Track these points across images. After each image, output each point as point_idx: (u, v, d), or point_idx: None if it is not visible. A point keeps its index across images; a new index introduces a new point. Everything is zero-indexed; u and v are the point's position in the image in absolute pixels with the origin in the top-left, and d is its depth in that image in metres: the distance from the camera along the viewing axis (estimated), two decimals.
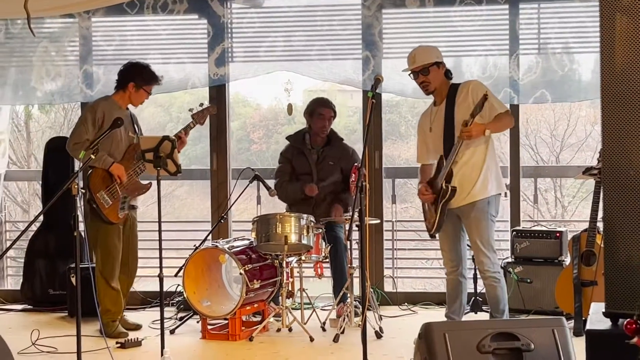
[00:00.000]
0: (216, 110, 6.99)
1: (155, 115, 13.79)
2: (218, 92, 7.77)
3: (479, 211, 5.91)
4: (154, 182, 5.86)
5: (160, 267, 5.62)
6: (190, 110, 6.69)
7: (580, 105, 12.66)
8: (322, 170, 7.20)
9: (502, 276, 6.09)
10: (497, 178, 6.00)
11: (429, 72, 5.93)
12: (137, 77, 6.63)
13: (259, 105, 13.83)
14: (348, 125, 11.76)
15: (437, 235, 6.07)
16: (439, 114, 5.98)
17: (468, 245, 6.12)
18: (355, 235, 6.51)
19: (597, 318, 4.23)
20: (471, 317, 6.75)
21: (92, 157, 5.54)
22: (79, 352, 5.25)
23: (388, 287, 7.77)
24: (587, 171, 6.26)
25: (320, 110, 7.20)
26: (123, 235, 6.72)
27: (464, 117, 5.79)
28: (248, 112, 13.63)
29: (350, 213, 6.80)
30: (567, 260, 6.90)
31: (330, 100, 7.33)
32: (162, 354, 5.38)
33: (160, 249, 5.63)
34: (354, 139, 7.42)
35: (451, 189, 5.81)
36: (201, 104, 6.74)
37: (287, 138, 7.44)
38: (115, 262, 6.66)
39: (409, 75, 6.05)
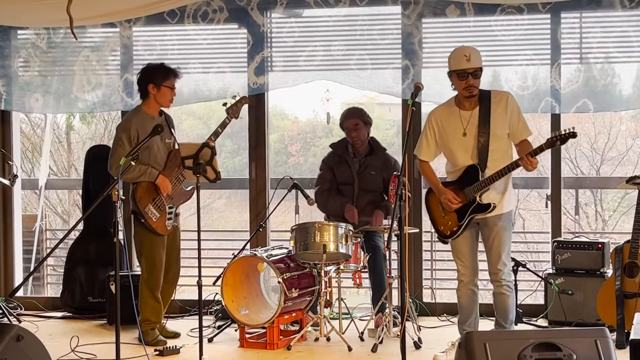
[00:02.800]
0: (249, 100, 6.93)
1: (194, 128, 13.86)
2: (257, 100, 7.78)
3: (505, 221, 5.87)
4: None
5: (199, 274, 5.62)
6: (224, 104, 6.65)
7: (621, 119, 12.55)
8: (363, 179, 7.17)
9: (513, 286, 6.01)
10: (513, 194, 6.04)
11: (479, 77, 5.80)
12: (152, 77, 6.59)
13: (296, 118, 13.85)
14: (386, 138, 11.72)
15: (448, 241, 5.99)
16: (473, 120, 5.84)
17: None
18: (394, 245, 6.47)
19: None
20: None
21: (132, 163, 5.57)
22: (117, 359, 5.26)
23: (426, 298, 7.71)
24: (631, 180, 6.17)
25: (345, 124, 7.20)
26: (167, 243, 6.73)
27: (499, 130, 5.76)
28: (286, 124, 13.65)
29: (389, 222, 6.79)
30: (609, 271, 6.80)
31: (357, 108, 7.28)
32: None
33: (199, 257, 5.64)
34: (392, 152, 7.37)
35: (492, 206, 5.76)
36: (234, 97, 6.71)
37: (331, 146, 7.44)
38: (160, 273, 6.67)
39: (452, 74, 5.82)
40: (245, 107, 7.03)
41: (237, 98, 6.68)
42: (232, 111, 6.61)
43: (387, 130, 12.40)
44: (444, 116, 5.98)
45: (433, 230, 7.73)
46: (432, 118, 6.03)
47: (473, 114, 5.85)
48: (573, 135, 5.51)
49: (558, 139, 5.54)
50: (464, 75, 5.76)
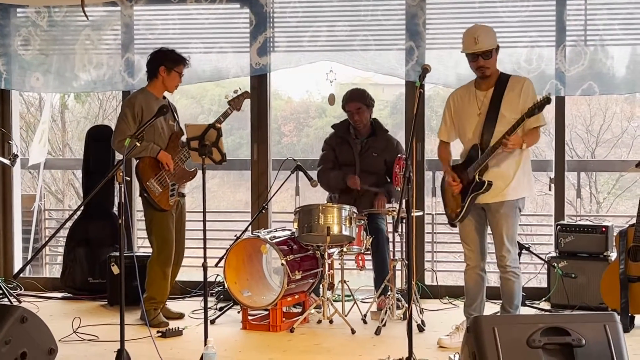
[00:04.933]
0: (250, 95, 6.89)
1: (187, 107, 13.81)
2: (259, 82, 7.72)
3: (509, 208, 5.79)
4: (200, 169, 5.84)
5: (205, 256, 5.59)
6: (226, 97, 6.64)
7: (617, 101, 12.55)
8: (365, 161, 7.13)
9: (520, 272, 5.97)
10: (529, 181, 5.93)
11: (491, 56, 5.72)
12: (165, 61, 6.64)
13: (290, 98, 13.83)
14: (379, 118, 11.72)
15: (457, 224, 5.93)
16: (485, 101, 5.78)
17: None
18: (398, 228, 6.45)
19: None
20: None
21: (137, 144, 5.57)
22: (122, 340, 5.24)
23: (428, 280, 7.70)
24: None
25: (347, 107, 7.14)
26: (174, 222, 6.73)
27: (509, 113, 5.68)
28: (279, 104, 13.63)
29: (394, 204, 6.77)
30: (613, 255, 6.79)
31: (359, 90, 7.20)
32: (205, 344, 5.34)
33: (205, 238, 5.61)
34: None
35: (487, 184, 5.71)
36: (235, 90, 6.66)
37: (333, 127, 7.40)
38: (171, 248, 6.67)
39: (465, 54, 5.76)
40: (241, 85, 6.98)
41: (239, 92, 6.64)
42: (234, 104, 6.58)
43: (380, 111, 12.35)
44: (461, 96, 5.93)
45: (434, 212, 7.81)
46: (450, 98, 5.99)
47: (487, 95, 5.79)
48: (547, 100, 5.45)
49: (535, 107, 5.47)
50: (474, 57, 5.71)
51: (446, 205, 6.02)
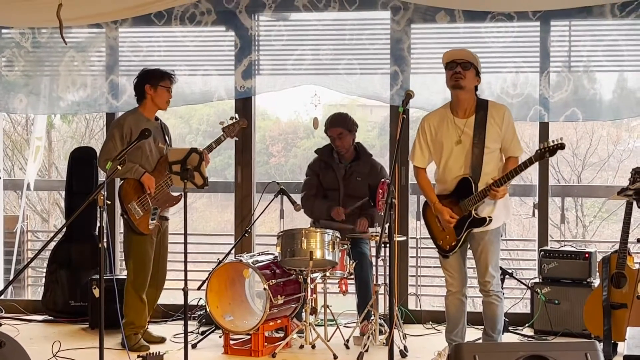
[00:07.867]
0: (247, 124, 6.91)
1: (175, 127, 13.80)
2: (244, 104, 7.71)
3: (493, 235, 5.78)
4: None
5: (185, 281, 5.57)
6: (221, 123, 6.63)
7: (603, 125, 12.57)
8: (349, 185, 7.11)
9: (503, 296, 5.93)
10: (508, 206, 5.92)
11: (469, 69, 5.64)
12: (149, 78, 6.62)
13: (278, 119, 13.84)
14: (367, 140, 11.73)
15: (449, 255, 5.85)
16: (467, 130, 5.72)
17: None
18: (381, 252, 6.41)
19: (635, 343, 4.13)
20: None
21: (119, 167, 5.55)
22: None
23: (411, 305, 7.67)
24: (622, 192, 6.12)
25: (329, 132, 7.14)
26: (155, 247, 6.68)
27: (492, 144, 5.67)
28: (267, 125, 13.62)
29: (377, 229, 6.75)
30: (596, 281, 6.78)
31: (342, 115, 7.19)
32: None
33: (186, 262, 5.58)
34: (374, 155, 7.31)
35: (488, 220, 5.68)
36: (232, 117, 6.68)
37: (316, 151, 7.37)
38: (147, 273, 6.63)
39: (445, 71, 5.73)
40: (226, 108, 6.97)
41: (236, 119, 6.63)
42: (228, 130, 6.59)
43: (368, 132, 12.37)
44: (437, 122, 5.84)
45: (418, 236, 7.78)
46: (425, 123, 5.89)
47: (468, 123, 5.72)
48: (561, 146, 5.38)
49: (547, 151, 5.42)
50: (453, 65, 5.66)
51: (436, 237, 5.92)
